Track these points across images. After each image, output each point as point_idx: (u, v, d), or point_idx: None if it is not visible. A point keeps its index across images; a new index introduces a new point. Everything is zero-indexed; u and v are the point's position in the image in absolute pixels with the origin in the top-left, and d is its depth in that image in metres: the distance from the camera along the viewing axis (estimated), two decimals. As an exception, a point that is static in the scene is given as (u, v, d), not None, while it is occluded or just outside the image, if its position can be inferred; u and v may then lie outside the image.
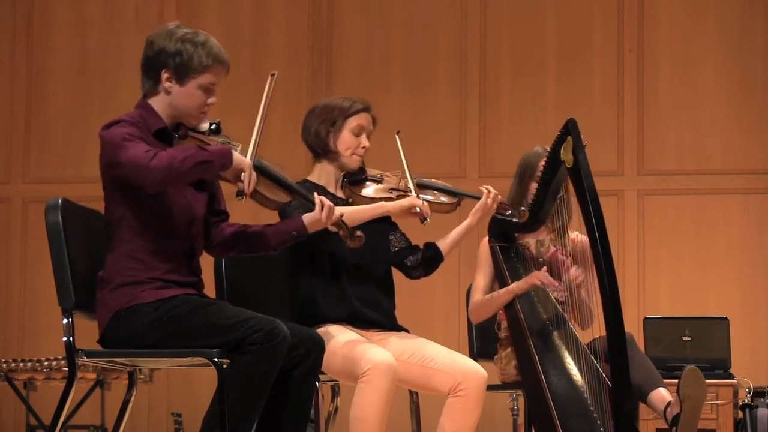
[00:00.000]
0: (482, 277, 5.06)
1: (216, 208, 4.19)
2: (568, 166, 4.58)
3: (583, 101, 7.80)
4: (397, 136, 4.68)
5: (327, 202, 4.12)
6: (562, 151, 4.60)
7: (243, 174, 3.92)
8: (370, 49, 8.14)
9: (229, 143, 4.07)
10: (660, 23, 7.91)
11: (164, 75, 4.02)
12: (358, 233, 4.12)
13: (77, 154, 8.17)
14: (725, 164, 7.78)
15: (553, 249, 5.00)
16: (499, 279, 5.02)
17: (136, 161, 3.80)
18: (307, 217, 4.14)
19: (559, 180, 4.75)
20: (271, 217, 4.38)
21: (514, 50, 8.02)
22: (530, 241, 5.08)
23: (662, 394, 4.79)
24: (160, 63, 4.02)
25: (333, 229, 4.17)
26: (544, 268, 4.85)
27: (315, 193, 4.15)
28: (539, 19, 8.00)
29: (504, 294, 4.91)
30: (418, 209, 4.46)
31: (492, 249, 5.02)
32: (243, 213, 4.37)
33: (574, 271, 4.91)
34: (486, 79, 8.02)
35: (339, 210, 4.25)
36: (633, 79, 7.88)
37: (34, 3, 8.40)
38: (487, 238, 5.05)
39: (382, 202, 4.52)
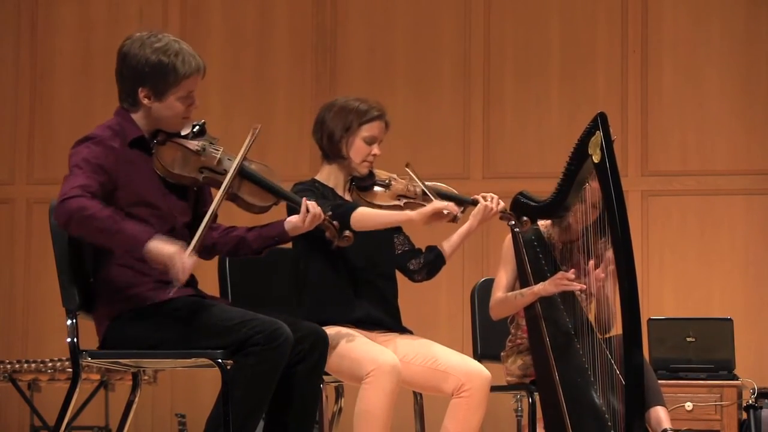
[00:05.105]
0: (505, 274, 4.98)
1: (201, 211, 4.11)
2: (595, 161, 4.51)
3: (587, 103, 7.78)
4: (407, 169, 4.58)
5: (314, 208, 4.08)
6: (590, 144, 4.53)
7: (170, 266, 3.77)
8: (374, 50, 8.13)
9: (212, 145, 4.02)
10: (664, 24, 7.90)
11: (141, 93, 3.96)
12: (347, 233, 4.11)
13: (81, 155, 8.14)
14: (729, 165, 7.77)
15: (578, 255, 4.91)
16: (519, 268, 4.92)
17: (60, 193, 3.81)
18: (288, 223, 4.12)
19: (585, 174, 4.64)
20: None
21: (517, 52, 8.01)
22: (554, 234, 5.00)
23: (660, 416, 4.73)
24: (135, 81, 3.96)
25: (321, 228, 4.13)
26: (572, 270, 4.78)
27: (304, 199, 4.13)
28: (543, 21, 7.99)
29: (529, 296, 4.81)
30: (445, 212, 4.39)
31: (514, 236, 4.92)
32: (243, 215, 4.32)
33: (599, 271, 4.79)
34: (490, 81, 8.02)
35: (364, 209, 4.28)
36: (637, 81, 7.87)
37: (38, 3, 8.40)
38: (510, 236, 4.96)
39: (407, 212, 4.46)
